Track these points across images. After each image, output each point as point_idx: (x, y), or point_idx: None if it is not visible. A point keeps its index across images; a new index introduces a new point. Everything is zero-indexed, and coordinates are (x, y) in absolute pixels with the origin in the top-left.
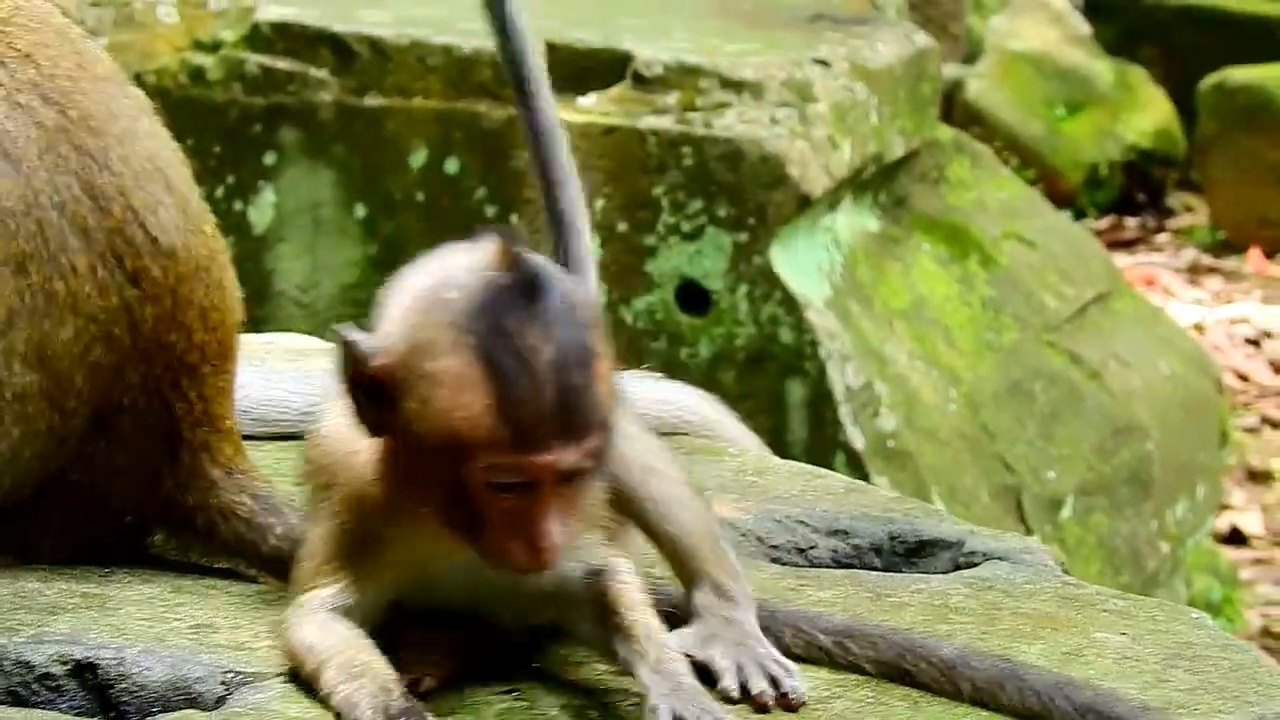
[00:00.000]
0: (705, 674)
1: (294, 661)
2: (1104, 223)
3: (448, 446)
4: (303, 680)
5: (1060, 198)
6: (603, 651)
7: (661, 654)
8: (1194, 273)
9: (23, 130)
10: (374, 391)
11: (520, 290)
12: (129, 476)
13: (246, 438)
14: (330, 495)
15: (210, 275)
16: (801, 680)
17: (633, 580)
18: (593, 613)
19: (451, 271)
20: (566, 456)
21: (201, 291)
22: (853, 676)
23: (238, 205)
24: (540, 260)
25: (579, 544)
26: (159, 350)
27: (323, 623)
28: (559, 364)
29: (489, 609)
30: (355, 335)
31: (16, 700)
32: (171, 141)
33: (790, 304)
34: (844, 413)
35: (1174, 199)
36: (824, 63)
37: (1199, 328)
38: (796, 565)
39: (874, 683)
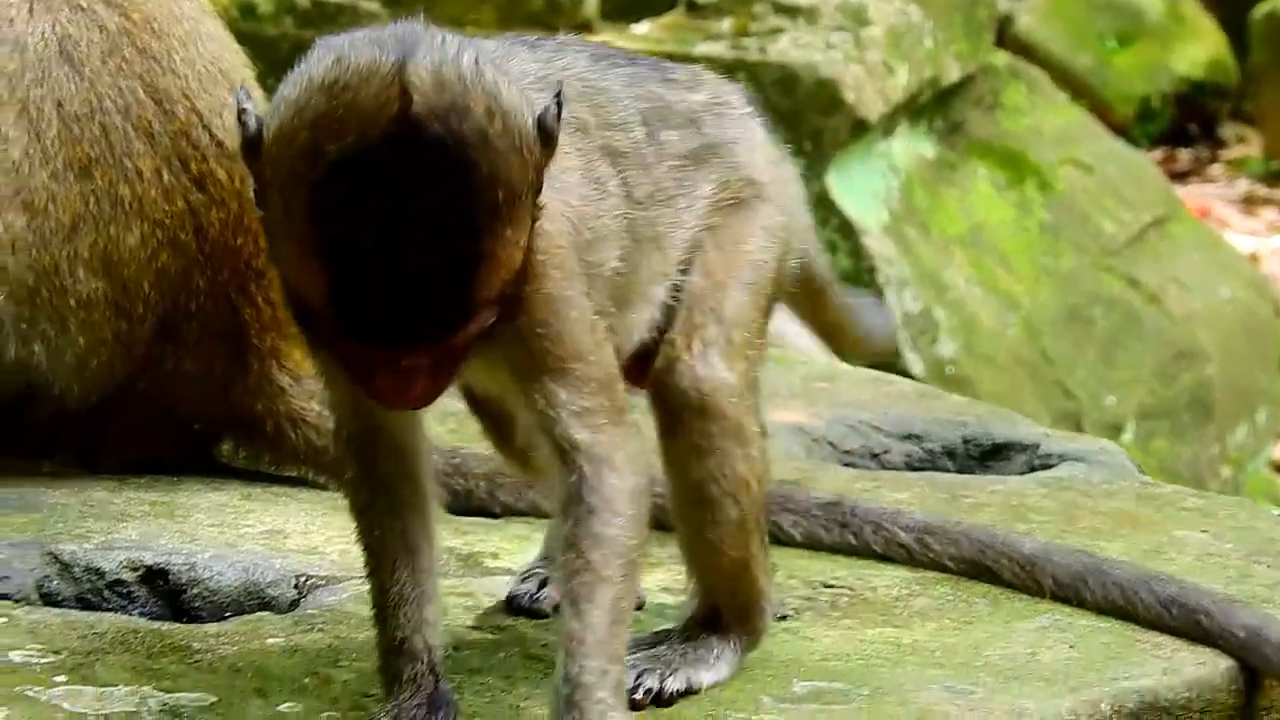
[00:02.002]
0: None
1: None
2: (1156, 154)
3: (291, 288)
4: None
5: (1112, 130)
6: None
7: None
8: (1248, 203)
9: (85, 34)
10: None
11: (395, 145)
12: (197, 383)
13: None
14: None
15: None
16: (882, 580)
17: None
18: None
19: (343, 81)
20: (414, 358)
21: None
22: (932, 574)
23: None
24: (449, 100)
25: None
26: (226, 255)
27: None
28: (414, 252)
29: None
30: (249, 106)
31: (87, 607)
32: (234, 44)
33: (847, 230)
34: (902, 339)
35: (1226, 130)
36: None
37: (1254, 258)
38: (870, 470)
39: (954, 580)
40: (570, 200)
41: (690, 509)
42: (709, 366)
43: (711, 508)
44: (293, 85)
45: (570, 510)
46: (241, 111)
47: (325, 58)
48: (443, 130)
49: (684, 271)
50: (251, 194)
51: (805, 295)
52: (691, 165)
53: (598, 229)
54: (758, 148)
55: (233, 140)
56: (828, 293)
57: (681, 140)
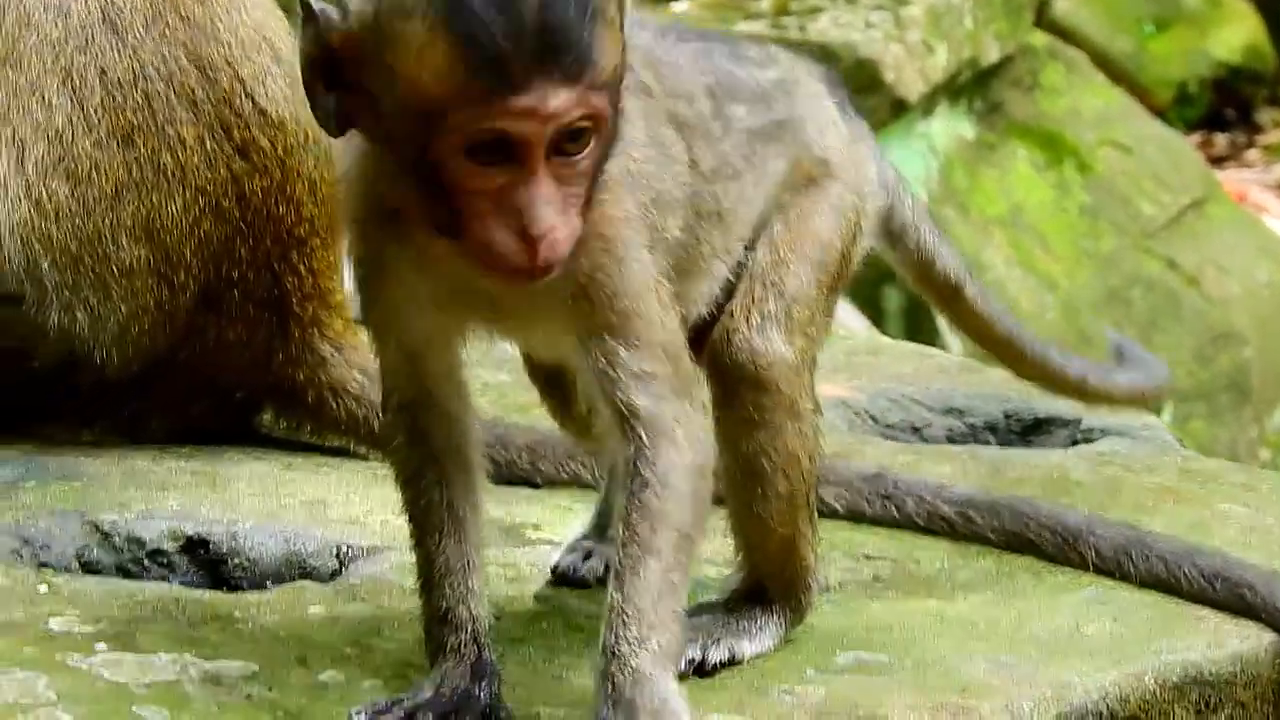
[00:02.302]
0: None
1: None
2: (1193, 139)
3: (417, 115)
4: None
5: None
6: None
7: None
8: None
9: (129, 1)
10: (336, 71)
11: None
12: (238, 352)
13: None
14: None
15: (319, 146)
16: (924, 553)
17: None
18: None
19: None
20: (551, 99)
21: (310, 163)
22: (974, 547)
23: None
24: None
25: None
26: (268, 223)
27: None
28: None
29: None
30: (320, 4)
31: (127, 577)
32: (278, 11)
33: None
34: (941, 320)
35: (1263, 115)
36: None
37: None
38: (911, 443)
39: (997, 553)
40: (632, 154)
41: (741, 482)
42: (767, 340)
43: (762, 481)
44: None
45: (627, 482)
46: (315, 12)
47: None
48: None
49: (749, 248)
50: (321, 115)
51: (936, 295)
52: (760, 142)
53: (661, 193)
54: (828, 127)
55: (275, 108)
56: (965, 294)
57: (750, 115)
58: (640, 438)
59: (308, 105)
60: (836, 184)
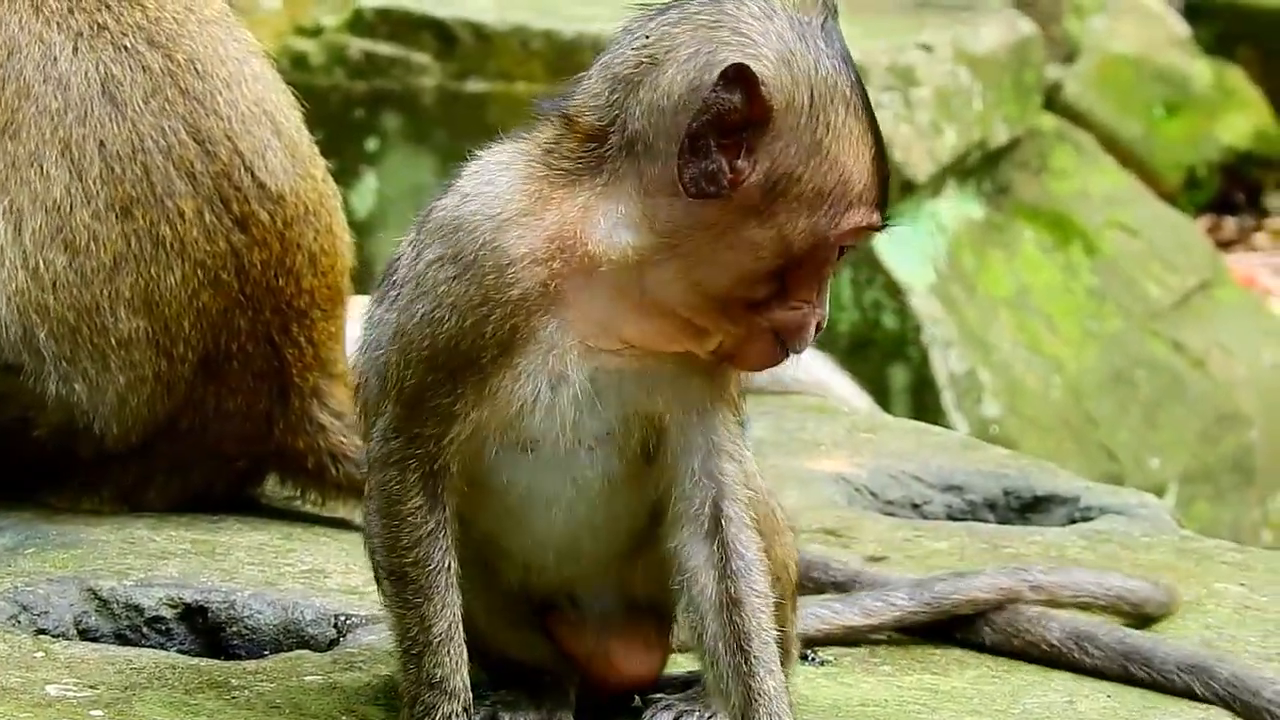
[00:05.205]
0: None
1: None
2: (1202, 223)
3: (829, 199)
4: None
5: (1159, 198)
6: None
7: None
8: None
9: (128, 74)
10: (732, 134)
11: (843, 47)
12: (239, 422)
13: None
14: (470, 282)
15: (319, 220)
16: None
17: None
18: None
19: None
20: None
21: (310, 236)
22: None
23: (339, 191)
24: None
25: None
26: (268, 295)
27: (416, 510)
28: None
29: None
30: (758, 67)
31: (125, 644)
32: (281, 84)
33: (894, 289)
34: (947, 399)
35: (1272, 200)
36: (927, 47)
37: None
38: (910, 519)
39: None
40: None
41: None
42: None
43: None
44: (765, 34)
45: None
46: (743, 67)
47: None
48: None
49: None
50: (700, 175)
51: None
52: None
53: None
54: None
55: (275, 181)
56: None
57: None
58: (731, 520)
59: (682, 162)
60: None
